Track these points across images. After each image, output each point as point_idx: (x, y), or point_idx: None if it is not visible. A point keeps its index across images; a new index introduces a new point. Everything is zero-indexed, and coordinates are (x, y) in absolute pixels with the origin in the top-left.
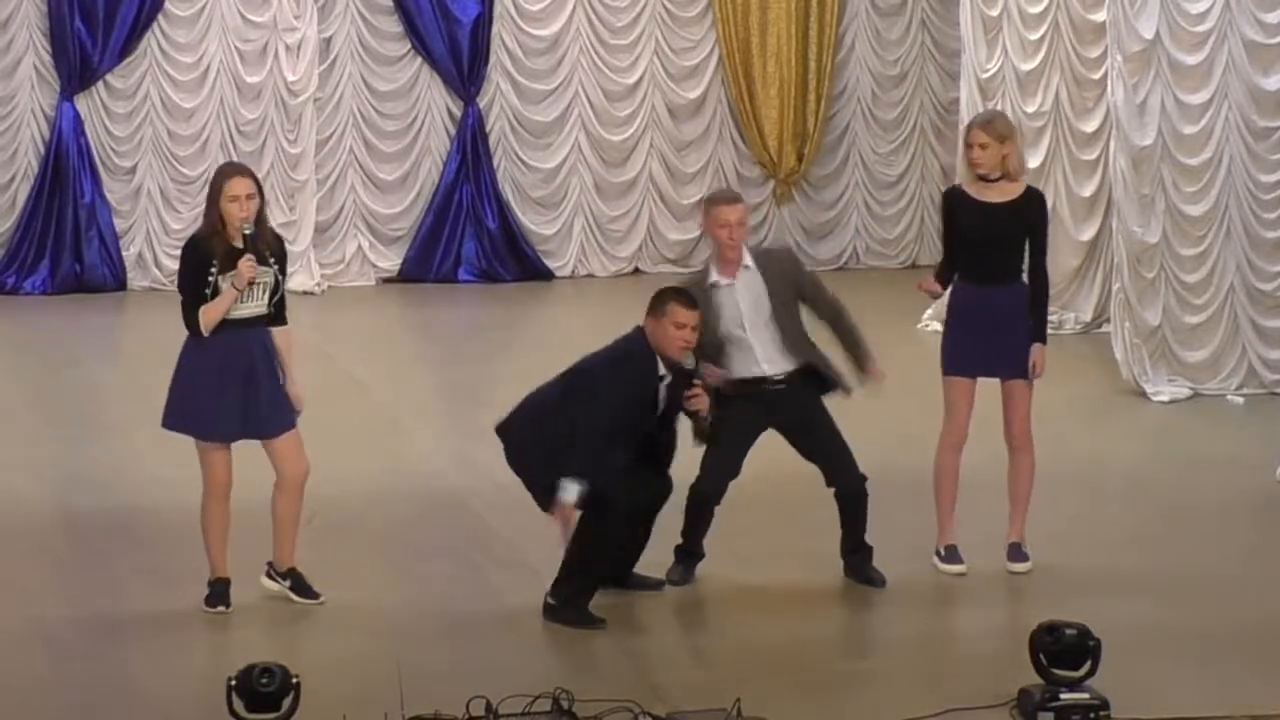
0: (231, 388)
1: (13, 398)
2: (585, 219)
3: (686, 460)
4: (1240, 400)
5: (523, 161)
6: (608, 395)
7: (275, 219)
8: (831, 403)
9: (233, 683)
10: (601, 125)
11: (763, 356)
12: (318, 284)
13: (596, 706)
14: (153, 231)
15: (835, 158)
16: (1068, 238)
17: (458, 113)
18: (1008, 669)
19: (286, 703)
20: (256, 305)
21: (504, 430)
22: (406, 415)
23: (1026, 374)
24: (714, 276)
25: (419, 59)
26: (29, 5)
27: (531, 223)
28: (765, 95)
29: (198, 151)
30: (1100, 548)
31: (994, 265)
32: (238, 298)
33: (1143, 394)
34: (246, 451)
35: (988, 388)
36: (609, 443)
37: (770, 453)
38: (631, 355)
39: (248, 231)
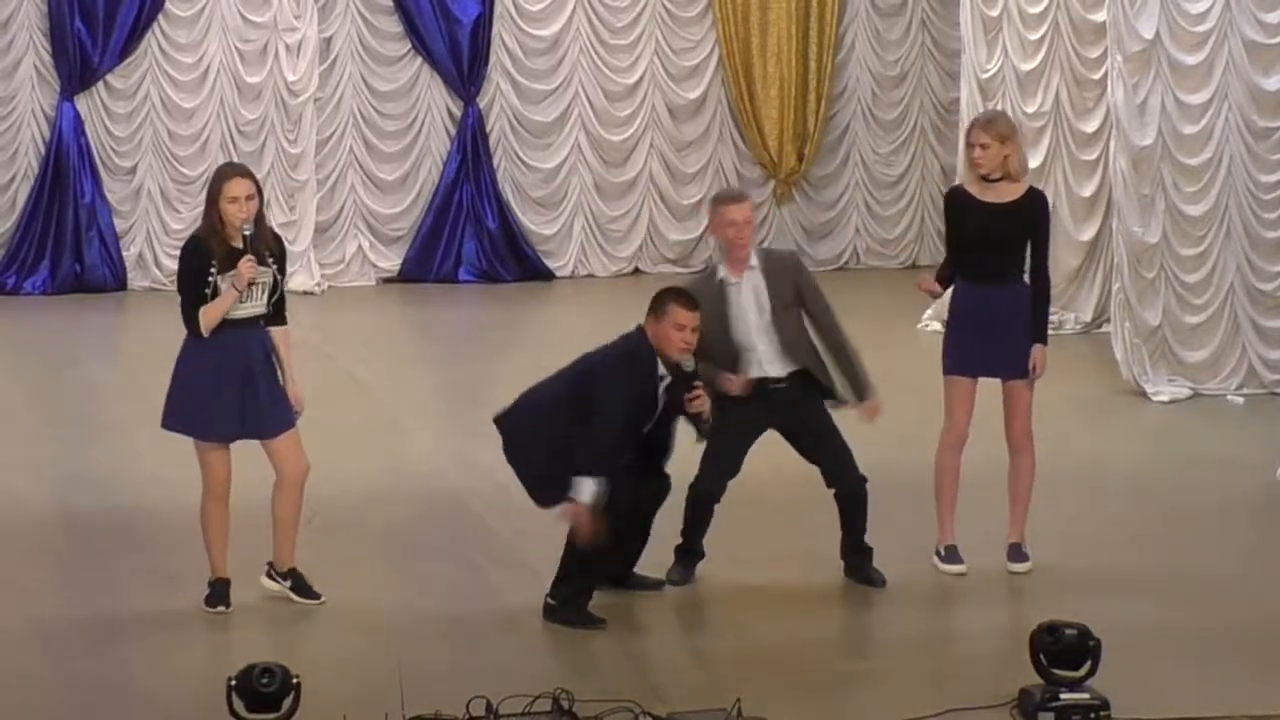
0: (230, 388)
1: (13, 398)
2: (585, 219)
3: (686, 459)
4: (1240, 400)
5: (523, 161)
6: (608, 394)
7: (275, 219)
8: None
9: (233, 683)
10: (601, 125)
11: (764, 357)
12: (318, 284)
13: (596, 706)
14: (153, 231)
15: (835, 158)
16: (1068, 238)
17: (458, 113)
18: (1008, 669)
19: (286, 703)
20: (255, 305)
21: (503, 422)
22: (406, 415)
23: (1027, 374)
24: (722, 273)
25: (419, 59)
26: (29, 5)
27: (531, 223)
28: (765, 95)
29: (198, 151)
30: (1100, 547)
31: (995, 265)
32: (237, 298)
33: (1143, 394)
34: (246, 451)
35: (988, 388)
36: (611, 442)
37: (770, 453)
38: (632, 355)
39: (247, 232)
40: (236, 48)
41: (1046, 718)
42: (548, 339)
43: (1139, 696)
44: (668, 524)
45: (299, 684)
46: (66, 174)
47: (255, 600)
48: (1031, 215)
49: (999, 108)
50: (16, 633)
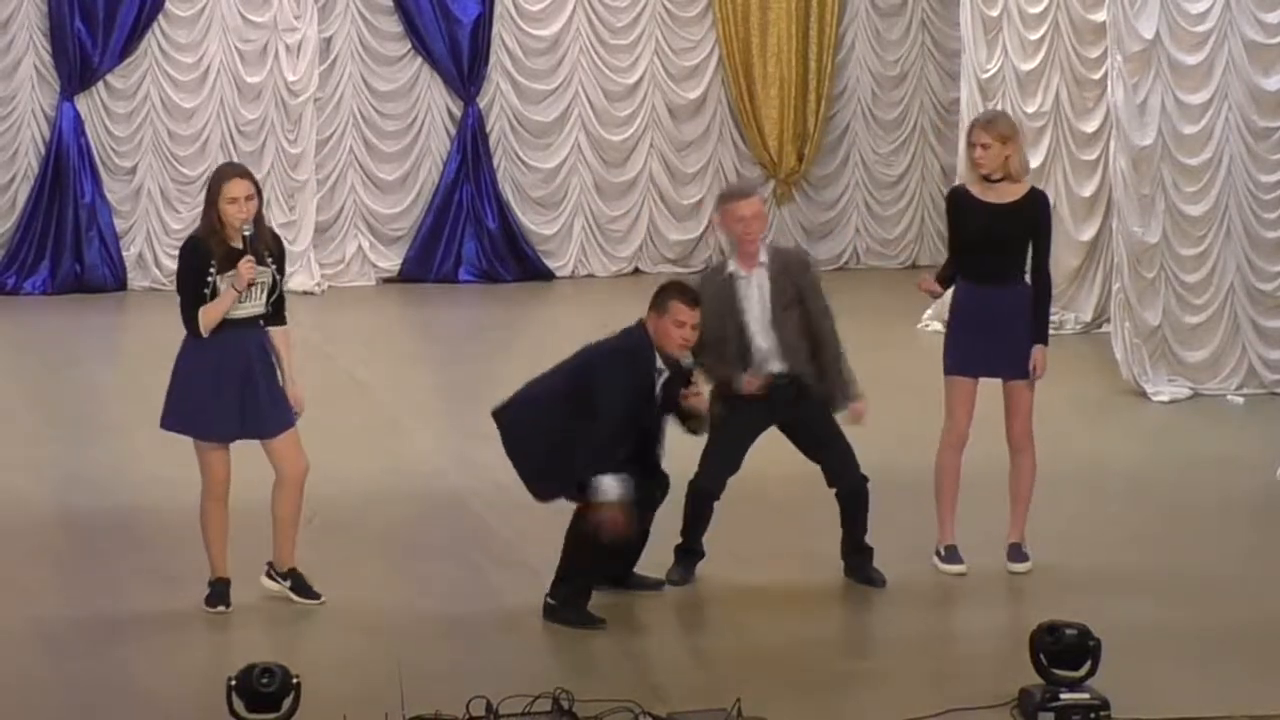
0: (229, 388)
1: (13, 398)
2: (585, 219)
3: (686, 458)
4: (1240, 400)
5: (523, 161)
6: (607, 388)
7: (275, 219)
8: None
9: (233, 683)
10: (601, 125)
11: (768, 354)
12: (318, 284)
13: (596, 706)
14: (153, 231)
15: (835, 158)
16: (1068, 238)
17: (458, 113)
18: (1008, 669)
19: (286, 703)
20: (255, 305)
21: (501, 416)
22: (406, 415)
23: (1028, 375)
24: (731, 268)
25: (419, 59)
26: (29, 5)
27: (531, 223)
28: (765, 95)
29: (198, 151)
30: (1100, 548)
31: (996, 266)
32: (237, 298)
33: (1143, 394)
34: (246, 451)
35: (989, 388)
36: (610, 436)
37: (770, 453)
38: (630, 349)
39: (247, 233)
40: (236, 48)
41: (1046, 718)
42: (548, 339)
43: (1139, 696)
44: (668, 524)
45: (299, 684)
46: (66, 174)
47: (255, 600)
48: (1033, 215)
49: (999, 108)
50: (16, 633)
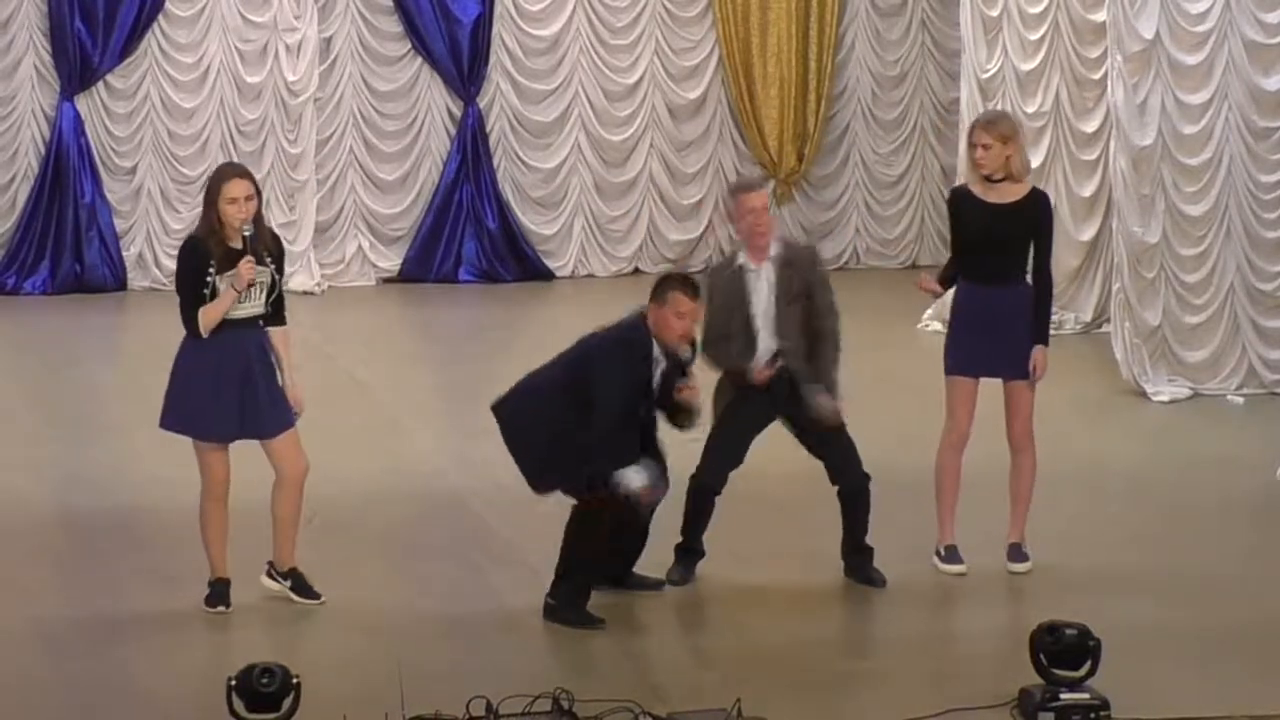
0: (229, 388)
1: (13, 398)
2: (585, 219)
3: (687, 455)
4: (1240, 400)
5: (523, 161)
6: (605, 381)
7: (275, 219)
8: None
9: (233, 683)
10: (601, 125)
11: (773, 346)
12: (318, 284)
13: (596, 706)
14: (153, 231)
15: (835, 158)
16: (1068, 238)
17: (458, 113)
18: (1008, 669)
19: (286, 703)
20: (254, 305)
21: (500, 408)
22: (406, 415)
23: (1028, 375)
24: (742, 260)
25: (419, 59)
26: (29, 5)
27: (531, 223)
28: (765, 95)
29: (198, 151)
30: (1100, 548)
31: (997, 266)
32: (236, 298)
33: (1143, 394)
34: (245, 451)
35: (990, 388)
36: (610, 427)
37: (771, 451)
38: (629, 340)
39: (247, 233)
40: (236, 48)
41: (1046, 718)
42: (548, 339)
43: (1139, 696)
44: (668, 523)
45: (299, 684)
46: (66, 174)
47: (255, 600)
48: (1034, 215)
49: (999, 108)
50: (16, 633)
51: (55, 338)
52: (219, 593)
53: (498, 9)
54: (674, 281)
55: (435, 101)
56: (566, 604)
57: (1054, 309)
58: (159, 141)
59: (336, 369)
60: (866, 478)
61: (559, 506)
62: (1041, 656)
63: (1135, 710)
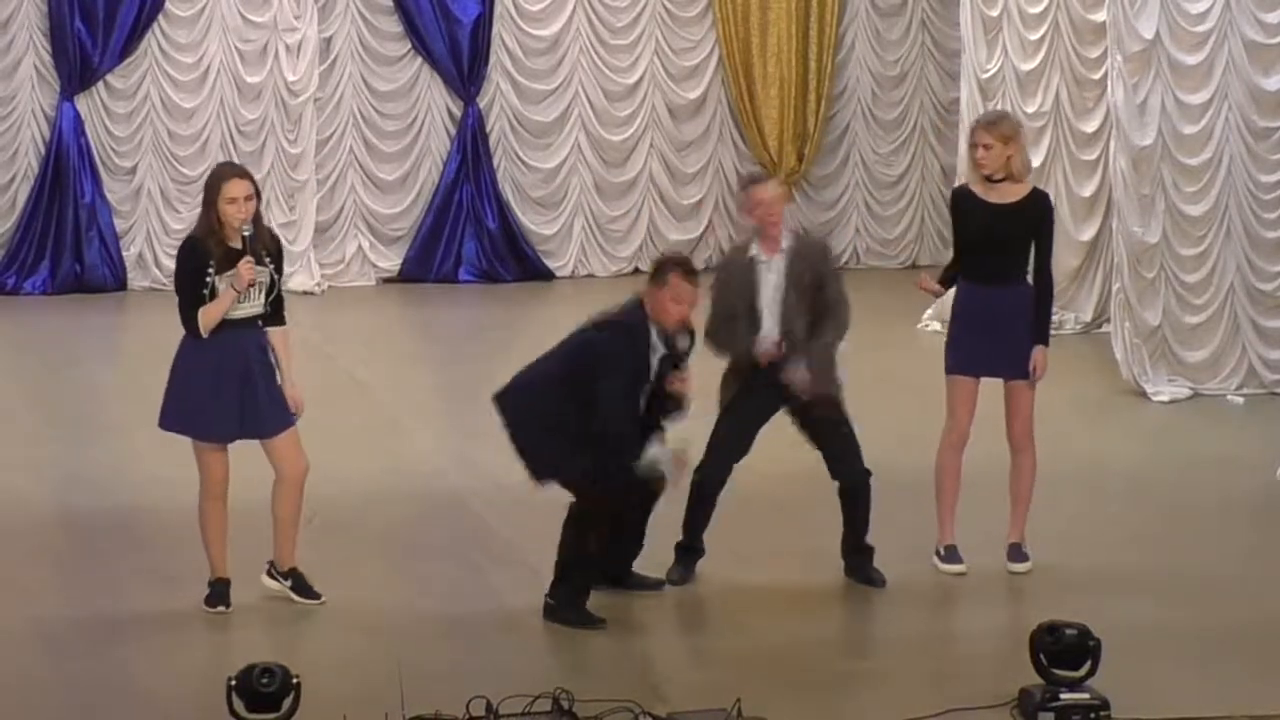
0: (228, 388)
1: (13, 398)
2: (585, 219)
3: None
4: (1240, 400)
5: (523, 161)
6: (607, 371)
7: (275, 219)
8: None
9: (233, 683)
10: (601, 125)
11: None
12: (318, 284)
13: (596, 706)
14: (153, 231)
15: (835, 158)
16: (1068, 238)
17: (458, 113)
18: (1008, 669)
19: (286, 703)
20: (253, 305)
21: (501, 399)
22: (406, 415)
23: (1028, 375)
24: (754, 250)
25: (419, 59)
26: (29, 5)
27: (531, 223)
28: (765, 95)
29: (198, 151)
30: (1100, 548)
31: (998, 265)
32: (236, 299)
33: (1143, 394)
34: (245, 451)
35: (990, 387)
36: (617, 415)
37: (770, 451)
38: (628, 327)
39: (247, 233)
40: (236, 48)
41: (1046, 718)
42: (548, 339)
43: (1139, 696)
44: (668, 522)
45: (299, 684)
46: (66, 174)
47: (255, 600)
48: (1035, 216)
49: (999, 108)
50: (16, 633)
51: (55, 338)
52: (219, 593)
53: (498, 9)
54: (671, 264)
55: (435, 101)
56: (566, 604)
57: (1054, 309)
58: (159, 141)
59: (336, 369)
60: (867, 473)
61: (558, 507)
62: (1041, 656)
63: (1135, 710)
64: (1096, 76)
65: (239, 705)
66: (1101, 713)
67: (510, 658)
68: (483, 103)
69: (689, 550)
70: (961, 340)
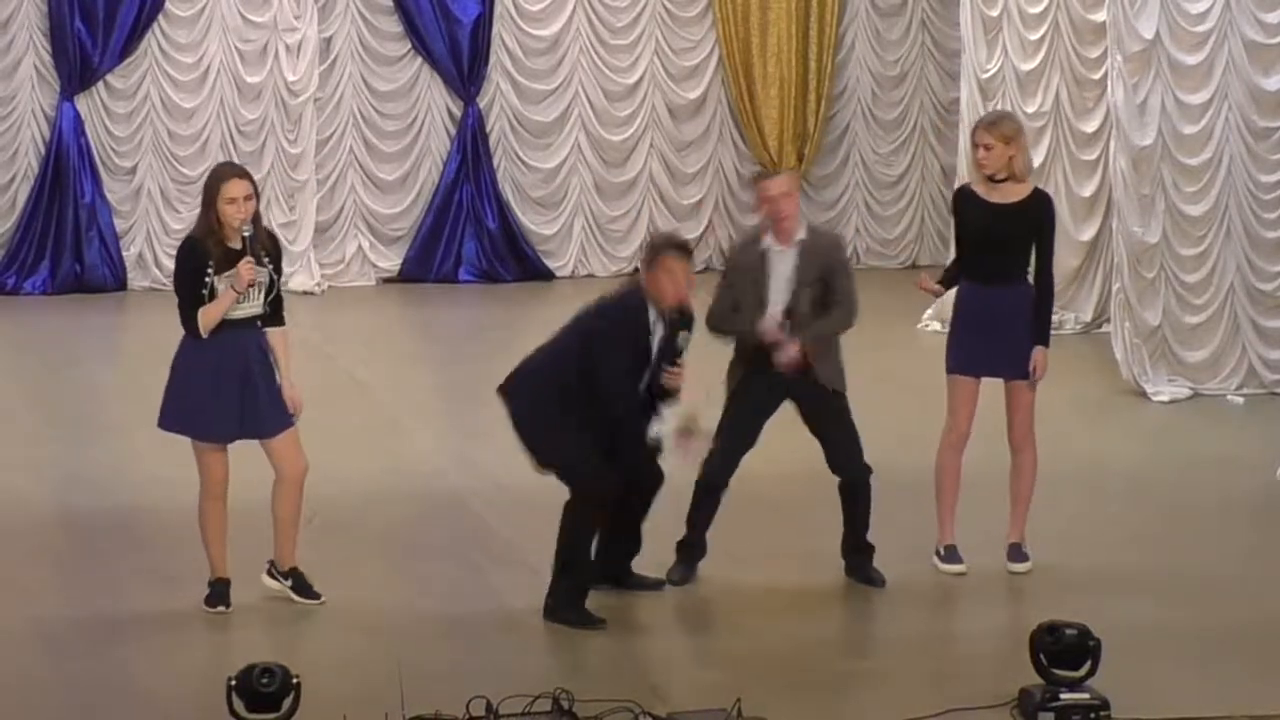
0: (228, 388)
1: (13, 398)
2: (585, 219)
3: None
4: (1240, 400)
5: (523, 161)
6: (606, 360)
7: (275, 219)
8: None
9: (233, 683)
10: (601, 125)
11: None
12: (318, 284)
13: (596, 706)
14: (153, 231)
15: (835, 158)
16: (1068, 238)
17: (458, 113)
18: (1008, 669)
19: (286, 703)
20: (252, 305)
21: (505, 389)
22: (406, 415)
23: (1029, 375)
24: (766, 242)
25: (419, 59)
26: (29, 5)
27: (531, 223)
28: (765, 95)
29: (198, 151)
30: (1100, 547)
31: (999, 265)
32: (235, 299)
33: (1143, 394)
34: (245, 451)
35: (990, 387)
36: (620, 397)
37: (769, 452)
38: (627, 308)
39: (247, 233)
40: (236, 48)
41: (1046, 718)
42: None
43: (1139, 696)
44: (668, 522)
45: (299, 684)
46: (66, 174)
47: (255, 600)
48: (1036, 216)
49: (999, 108)
50: (16, 633)
51: (55, 338)
52: (219, 593)
53: (498, 9)
54: (665, 245)
55: (435, 101)
56: (566, 604)
57: (1054, 309)
58: (159, 141)
59: (336, 369)
60: (867, 470)
61: (558, 507)
62: (1041, 656)
63: (1135, 710)
64: (1096, 76)
65: (239, 705)
66: (1101, 713)
67: (510, 658)
68: (483, 103)
69: (691, 547)
70: (962, 340)
